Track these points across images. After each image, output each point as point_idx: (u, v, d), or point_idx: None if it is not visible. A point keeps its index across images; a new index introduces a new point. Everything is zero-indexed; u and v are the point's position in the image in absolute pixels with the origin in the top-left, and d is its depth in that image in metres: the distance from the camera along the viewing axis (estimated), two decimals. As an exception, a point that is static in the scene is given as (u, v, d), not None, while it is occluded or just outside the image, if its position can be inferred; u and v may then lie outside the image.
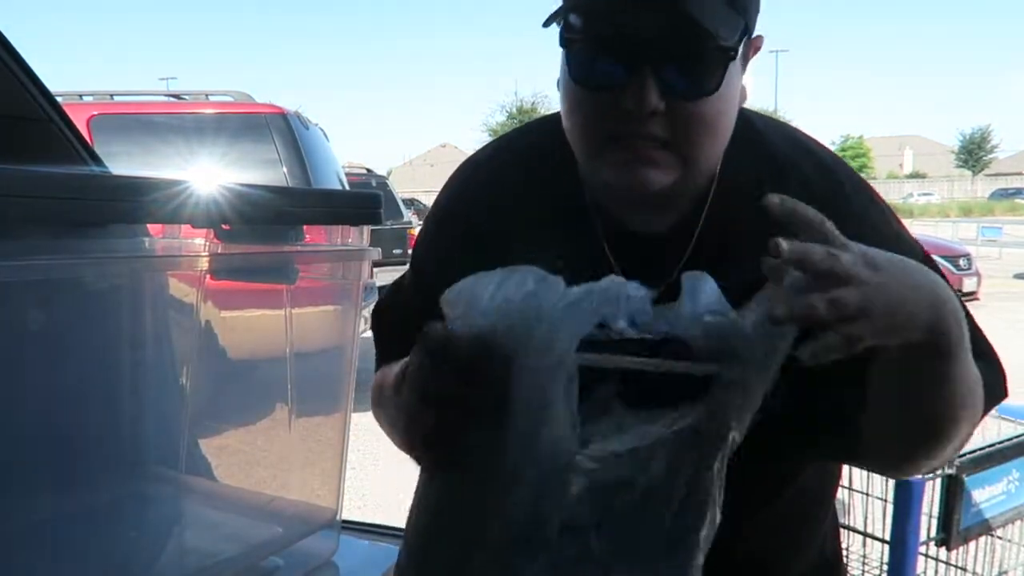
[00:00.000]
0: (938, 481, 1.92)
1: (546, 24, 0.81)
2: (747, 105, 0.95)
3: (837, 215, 0.89)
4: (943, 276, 0.95)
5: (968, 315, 0.88)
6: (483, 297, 0.62)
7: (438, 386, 0.66)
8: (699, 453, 0.65)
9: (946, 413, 0.85)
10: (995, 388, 0.94)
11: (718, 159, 0.88)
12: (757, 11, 0.84)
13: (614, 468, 0.63)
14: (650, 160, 0.81)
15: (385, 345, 1.10)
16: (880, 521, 2.00)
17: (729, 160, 0.89)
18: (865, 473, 2.00)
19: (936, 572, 2.06)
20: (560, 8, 0.81)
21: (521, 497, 0.62)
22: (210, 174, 4.87)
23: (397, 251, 7.99)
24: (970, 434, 0.94)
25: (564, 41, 0.82)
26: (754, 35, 0.86)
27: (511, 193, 0.98)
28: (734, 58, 0.79)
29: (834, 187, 0.91)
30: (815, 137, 0.99)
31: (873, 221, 0.90)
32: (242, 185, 1.05)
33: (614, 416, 0.65)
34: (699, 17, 0.75)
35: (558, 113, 0.94)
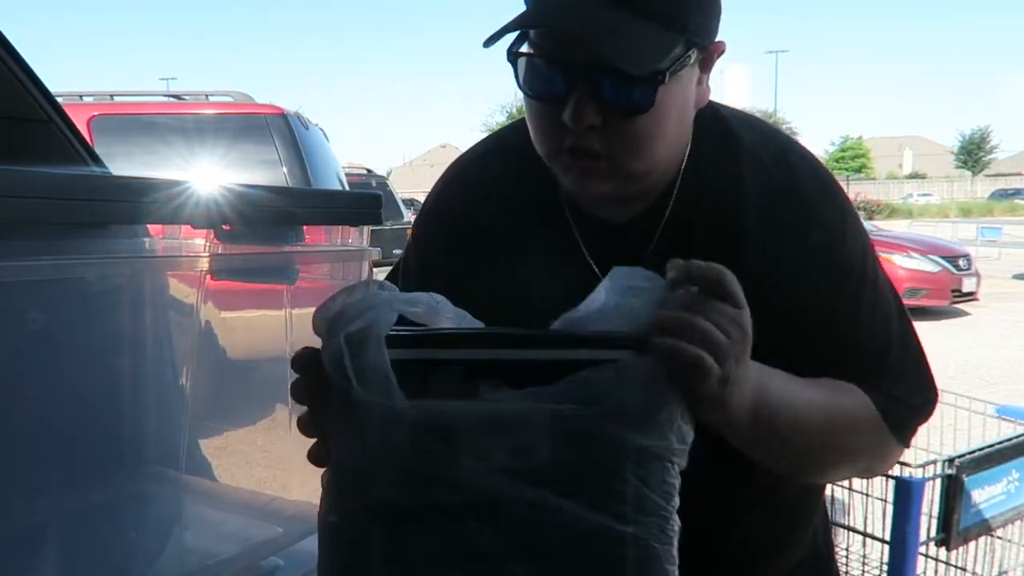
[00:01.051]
0: (938, 481, 1.92)
1: (486, 44, 0.84)
2: (747, 105, 0.98)
3: (790, 207, 0.92)
4: (889, 281, 0.97)
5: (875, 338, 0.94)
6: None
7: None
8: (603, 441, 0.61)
9: (813, 458, 0.89)
10: (912, 410, 0.96)
11: (663, 166, 0.91)
12: (710, 20, 0.86)
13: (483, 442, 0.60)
14: (589, 171, 0.86)
15: None
16: (880, 521, 2.00)
17: (697, 151, 0.94)
18: (865, 473, 2.00)
19: (936, 572, 2.06)
20: (502, 28, 0.83)
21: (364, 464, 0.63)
22: (210, 175, 4.87)
23: (397, 251, 7.95)
24: (897, 452, 0.98)
25: (509, 55, 0.86)
26: (716, 40, 0.88)
27: (498, 192, 1.01)
28: (662, 81, 0.82)
29: (793, 181, 0.94)
30: (783, 133, 1.02)
31: (824, 218, 0.93)
32: (242, 186, 1.05)
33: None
34: (610, 54, 0.78)
35: None
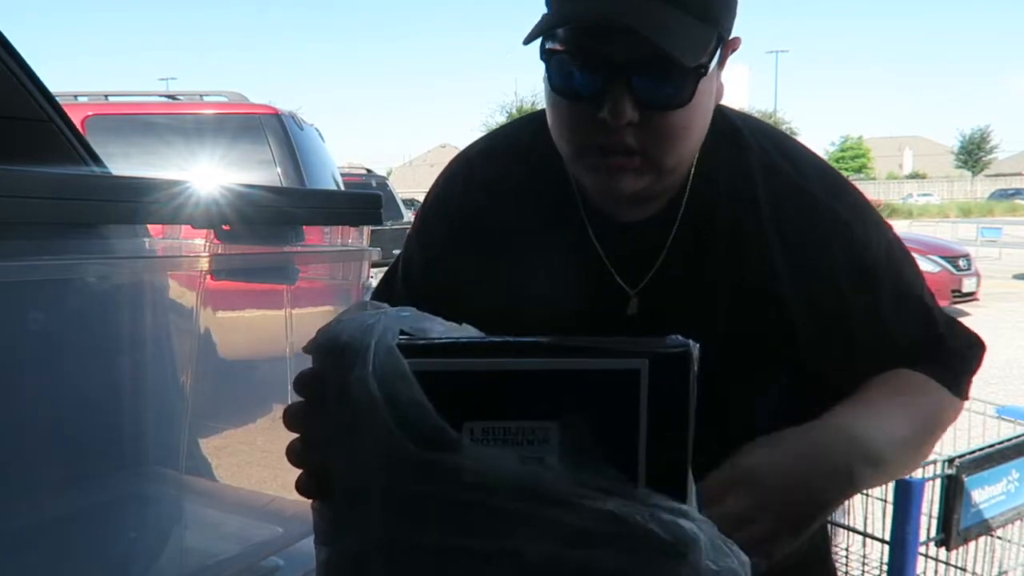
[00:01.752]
0: (938, 481, 1.92)
1: (527, 41, 0.83)
2: (747, 105, 0.99)
3: (804, 208, 0.93)
4: (919, 271, 0.98)
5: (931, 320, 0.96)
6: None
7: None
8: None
9: (908, 468, 0.97)
10: (967, 368, 0.98)
11: (689, 162, 0.92)
12: (733, 15, 0.87)
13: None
14: (623, 168, 0.86)
15: None
16: (880, 521, 2.00)
17: (708, 153, 0.93)
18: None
19: (936, 572, 2.06)
20: (539, 24, 0.83)
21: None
22: (205, 174, 4.86)
23: (397, 251, 7.96)
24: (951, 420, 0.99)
25: (544, 53, 0.85)
26: (732, 37, 0.88)
27: (506, 188, 1.00)
28: (704, 74, 0.82)
29: (804, 182, 0.94)
30: (786, 134, 1.03)
31: (838, 217, 0.94)
32: (242, 186, 1.05)
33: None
34: (666, 47, 0.78)
35: None
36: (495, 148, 1.05)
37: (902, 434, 0.87)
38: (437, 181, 1.08)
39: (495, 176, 1.01)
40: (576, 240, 0.96)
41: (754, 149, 0.95)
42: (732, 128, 0.96)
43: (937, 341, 0.96)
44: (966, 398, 0.97)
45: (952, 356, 0.97)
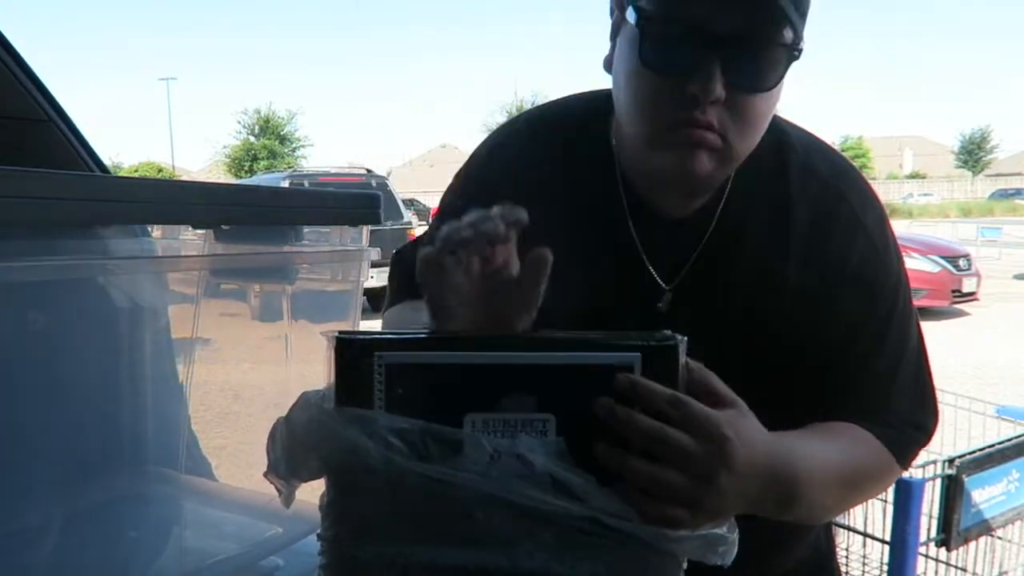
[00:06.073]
0: (938, 481, 1.92)
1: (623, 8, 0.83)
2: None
3: (840, 218, 0.93)
4: (907, 284, 0.98)
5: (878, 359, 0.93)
6: None
7: None
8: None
9: (818, 515, 0.89)
10: (913, 433, 0.96)
11: (748, 154, 0.91)
12: (807, 17, 0.87)
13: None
14: (702, 143, 0.83)
15: (396, 287, 1.14)
16: (880, 521, 2.01)
17: (751, 155, 0.93)
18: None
19: (936, 572, 2.06)
20: None
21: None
22: None
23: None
24: (889, 483, 0.99)
25: (639, 20, 0.83)
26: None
27: (546, 167, 0.99)
28: (798, 57, 0.82)
29: (844, 191, 0.95)
30: (825, 142, 1.03)
31: (870, 230, 0.95)
32: (242, 185, 1.05)
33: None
34: (787, 13, 0.78)
35: (602, 91, 0.96)
36: (552, 120, 1.04)
37: (832, 471, 0.84)
38: (488, 143, 1.07)
39: (547, 153, 1.00)
40: (614, 228, 0.96)
41: (798, 156, 0.95)
42: (777, 130, 0.96)
43: (900, 383, 0.95)
44: (907, 468, 0.97)
45: (905, 424, 0.95)
